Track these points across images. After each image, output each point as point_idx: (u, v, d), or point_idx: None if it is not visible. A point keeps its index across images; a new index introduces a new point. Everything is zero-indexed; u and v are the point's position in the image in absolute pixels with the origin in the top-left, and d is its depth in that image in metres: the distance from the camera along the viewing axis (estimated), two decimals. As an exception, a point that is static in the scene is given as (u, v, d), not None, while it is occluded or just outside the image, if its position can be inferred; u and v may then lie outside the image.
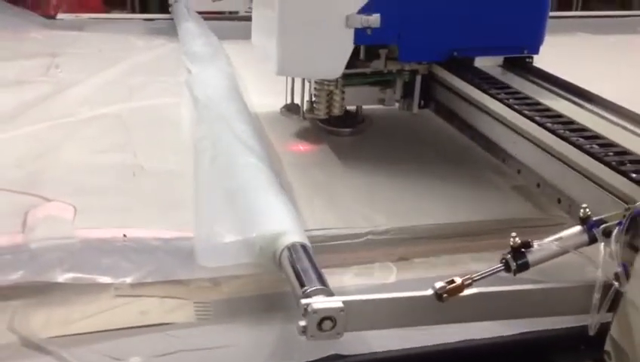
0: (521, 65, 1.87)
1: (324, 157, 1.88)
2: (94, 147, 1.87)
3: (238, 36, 2.43)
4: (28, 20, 3.15)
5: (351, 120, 2.05)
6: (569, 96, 1.65)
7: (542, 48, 1.88)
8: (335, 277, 1.32)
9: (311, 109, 1.95)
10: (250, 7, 3.12)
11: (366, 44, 1.78)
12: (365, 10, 1.69)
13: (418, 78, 1.90)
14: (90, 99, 2.21)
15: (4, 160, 1.73)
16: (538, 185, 1.48)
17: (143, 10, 5.66)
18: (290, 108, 2.01)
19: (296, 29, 1.70)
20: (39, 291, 1.28)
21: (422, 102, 1.94)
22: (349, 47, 1.72)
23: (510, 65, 1.89)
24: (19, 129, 1.91)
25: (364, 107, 2.06)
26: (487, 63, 1.87)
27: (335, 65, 1.75)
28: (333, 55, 1.74)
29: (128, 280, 1.31)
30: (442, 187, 1.71)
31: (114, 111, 2.11)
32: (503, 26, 1.81)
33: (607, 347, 1.12)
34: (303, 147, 1.97)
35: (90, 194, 1.58)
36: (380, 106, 1.99)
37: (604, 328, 1.11)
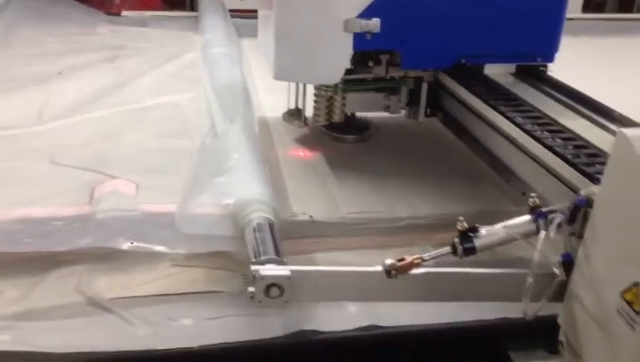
0: (535, 75, 1.77)
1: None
2: (155, 131, 2.00)
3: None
4: (94, 17, 3.34)
5: (356, 126, 2.00)
6: (583, 110, 1.54)
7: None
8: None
9: (313, 115, 1.92)
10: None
11: (366, 50, 1.69)
12: (365, 14, 1.63)
13: (424, 86, 1.83)
14: (153, 89, 2.35)
15: (74, 141, 1.88)
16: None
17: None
18: (293, 114, 2.01)
19: (294, 33, 1.66)
20: (102, 258, 1.41)
21: (428, 110, 1.86)
22: (348, 53, 1.66)
23: (523, 73, 1.79)
24: (88, 114, 2.06)
25: (370, 114, 1.99)
26: (498, 71, 1.77)
27: (334, 70, 1.69)
28: (332, 60, 1.68)
29: (182, 250, 1.42)
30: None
31: (173, 100, 2.24)
32: (514, 32, 1.70)
33: (561, 336, 1.14)
34: (303, 153, 1.93)
35: (150, 173, 1.71)
36: (386, 114, 1.93)
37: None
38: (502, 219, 1.19)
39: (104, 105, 2.16)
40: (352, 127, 1.99)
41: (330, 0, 1.62)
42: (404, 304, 1.30)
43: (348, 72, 1.72)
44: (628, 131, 0.97)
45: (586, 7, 5.76)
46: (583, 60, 2.85)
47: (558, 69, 1.81)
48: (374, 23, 1.63)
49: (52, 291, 1.33)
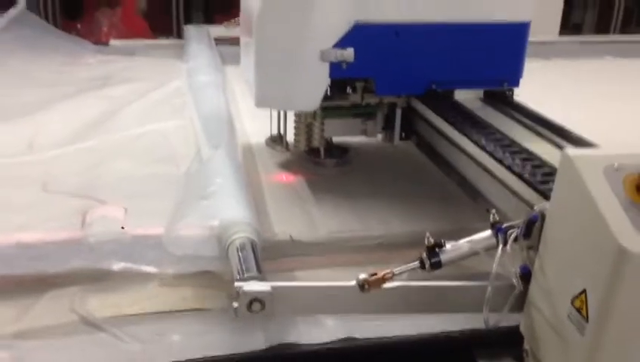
0: (501, 99, 1.88)
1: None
2: (143, 159, 2.09)
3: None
4: (82, 47, 3.44)
5: (335, 151, 2.09)
6: (544, 132, 1.65)
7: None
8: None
9: (295, 141, 2.01)
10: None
11: (342, 78, 1.80)
12: (340, 44, 1.73)
13: (398, 111, 1.93)
14: (140, 117, 2.44)
15: (65, 169, 1.96)
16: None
17: (187, 36, 5.99)
18: (276, 140, 2.11)
19: (273, 63, 1.75)
20: (94, 279, 1.49)
21: (403, 134, 1.95)
22: (325, 81, 1.76)
23: (490, 98, 1.90)
24: (78, 143, 2.15)
25: (348, 138, 2.09)
26: (467, 96, 1.89)
27: (312, 98, 1.79)
28: (310, 88, 1.77)
29: (170, 270, 1.50)
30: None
31: (160, 128, 2.33)
32: (481, 59, 1.82)
33: (526, 345, 1.22)
34: (285, 177, 2.02)
35: (138, 198, 1.79)
36: (363, 138, 2.03)
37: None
38: (470, 235, 1.30)
39: (93, 134, 2.24)
40: (331, 151, 2.09)
41: (307, 31, 1.73)
42: (378, 316, 1.40)
43: (326, 98, 1.82)
44: (570, 151, 1.08)
45: (564, 28, 5.99)
46: (553, 83, 3.00)
47: (528, 92, 1.93)
48: (349, 53, 1.74)
49: (47, 311, 1.41)
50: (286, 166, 2.10)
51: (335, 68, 1.76)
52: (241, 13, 2.04)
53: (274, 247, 1.61)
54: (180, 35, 6.55)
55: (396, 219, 1.78)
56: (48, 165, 1.98)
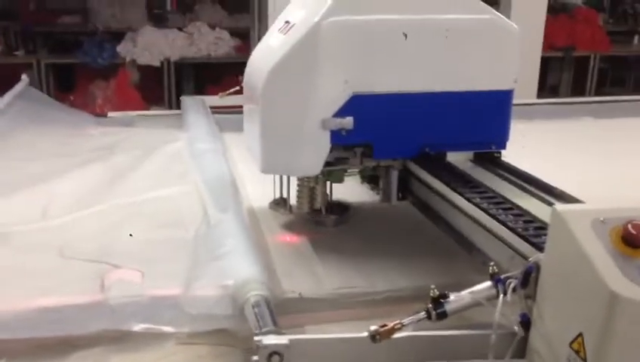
0: (490, 160, 2.02)
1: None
2: (152, 223, 2.18)
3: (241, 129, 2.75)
4: (83, 119, 3.57)
5: (337, 209, 2.21)
6: (531, 189, 1.77)
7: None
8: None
9: (298, 203, 2.12)
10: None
11: (342, 144, 1.92)
12: (340, 113, 1.86)
13: (394, 173, 2.05)
14: (145, 184, 2.54)
15: (79, 235, 2.05)
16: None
17: (180, 107, 6.20)
18: (279, 203, 2.22)
19: (278, 131, 1.88)
20: (115, 340, 1.56)
21: (399, 194, 2.07)
22: (327, 147, 1.89)
23: (480, 159, 2.04)
24: (88, 210, 2.23)
25: (349, 197, 2.23)
26: (458, 158, 2.02)
27: (314, 163, 1.91)
28: (312, 154, 1.89)
29: (186, 329, 1.58)
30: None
31: (166, 194, 2.43)
32: (470, 124, 1.96)
33: None
34: (289, 238, 2.12)
35: (151, 261, 1.87)
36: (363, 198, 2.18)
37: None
38: (468, 287, 1.40)
39: (102, 201, 2.33)
40: (332, 209, 2.21)
41: (309, 102, 1.87)
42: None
43: (327, 163, 1.95)
44: (559, 207, 1.21)
45: (542, 90, 6.29)
46: (536, 143, 3.16)
47: (514, 152, 2.08)
48: (348, 121, 1.88)
49: (72, 373, 1.47)
50: (289, 227, 2.20)
51: (335, 135, 1.89)
52: (245, 84, 2.19)
53: (283, 304, 1.70)
54: (171, 105, 6.80)
55: (398, 275, 1.87)
56: (62, 231, 2.06)
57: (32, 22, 6.94)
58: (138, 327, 1.52)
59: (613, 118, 3.82)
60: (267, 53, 2.04)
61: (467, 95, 1.94)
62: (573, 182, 1.82)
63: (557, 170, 2.00)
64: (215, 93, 4.17)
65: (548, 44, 6.07)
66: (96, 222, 2.16)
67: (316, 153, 1.92)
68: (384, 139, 1.94)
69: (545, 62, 5.88)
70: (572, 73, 7.60)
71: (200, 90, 6.79)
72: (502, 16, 1.95)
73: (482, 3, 1.95)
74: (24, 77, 3.66)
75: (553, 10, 6.62)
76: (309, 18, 1.89)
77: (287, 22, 2.02)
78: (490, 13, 1.94)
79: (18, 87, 3.50)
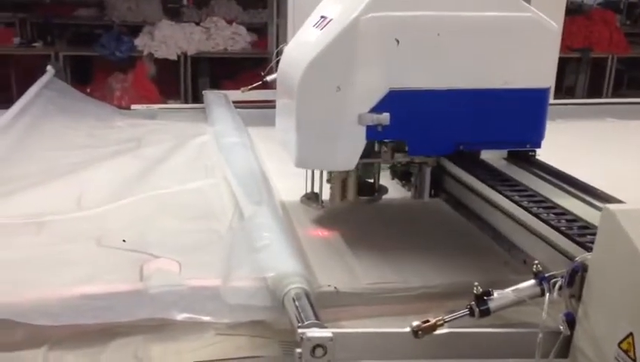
0: (525, 159, 2.01)
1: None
2: (184, 215, 2.19)
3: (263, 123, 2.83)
4: (110, 111, 3.60)
5: (368, 190, 2.18)
6: (568, 188, 1.77)
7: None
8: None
9: (329, 198, 2.10)
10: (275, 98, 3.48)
11: (377, 140, 1.93)
12: (376, 109, 1.86)
13: (427, 170, 2.05)
14: (175, 176, 2.56)
15: (114, 225, 2.07)
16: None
17: (195, 100, 6.22)
18: (310, 197, 2.21)
19: (314, 126, 1.88)
20: (154, 329, 1.58)
21: (432, 191, 2.07)
22: (362, 142, 1.89)
23: (514, 157, 2.03)
24: (122, 200, 2.25)
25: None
26: (491, 156, 2.01)
27: (349, 158, 1.92)
28: (348, 149, 1.90)
29: (226, 320, 1.59)
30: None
31: (196, 186, 2.45)
32: (506, 122, 1.94)
33: None
34: (321, 232, 2.13)
35: (187, 252, 1.88)
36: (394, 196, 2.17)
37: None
38: (503, 286, 1.39)
39: (134, 192, 2.35)
40: (363, 190, 2.18)
41: (345, 97, 1.88)
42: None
43: (361, 158, 1.95)
44: (612, 206, 1.21)
45: (558, 91, 6.25)
46: (556, 143, 3.15)
47: (544, 151, 2.07)
48: (384, 117, 1.88)
49: (113, 359, 1.48)
50: (320, 221, 2.21)
51: (371, 130, 1.90)
52: (279, 79, 2.19)
53: (318, 298, 1.70)
54: (187, 99, 6.81)
55: (432, 271, 1.87)
56: (98, 221, 2.08)
57: (49, 14, 6.97)
58: (180, 317, 1.53)
59: (632, 120, 3.81)
60: (303, 48, 2.04)
61: (504, 93, 1.93)
62: (599, 182, 1.82)
63: (579, 170, 2.00)
64: (231, 88, 4.20)
65: (565, 45, 6.04)
66: (130, 213, 2.18)
67: (351, 148, 1.92)
68: (419, 136, 1.94)
69: (562, 64, 5.86)
70: (589, 75, 7.56)
71: (215, 84, 6.81)
72: (541, 14, 1.94)
73: (521, 1, 1.95)
74: (50, 68, 3.68)
75: (570, 12, 6.59)
76: (348, 14, 1.89)
77: (322, 17, 2.02)
78: (530, 11, 1.93)
79: (45, 78, 3.53)
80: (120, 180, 2.45)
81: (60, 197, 2.26)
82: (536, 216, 1.55)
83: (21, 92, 3.53)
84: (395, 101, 1.89)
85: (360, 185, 2.15)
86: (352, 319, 1.72)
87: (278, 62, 3.32)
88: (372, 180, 2.20)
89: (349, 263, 1.92)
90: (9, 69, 6.54)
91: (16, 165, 2.58)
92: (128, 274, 1.73)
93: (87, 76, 7.08)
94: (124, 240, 1.92)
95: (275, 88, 3.56)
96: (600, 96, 7.12)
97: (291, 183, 2.33)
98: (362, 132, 1.90)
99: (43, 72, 3.86)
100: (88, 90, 6.52)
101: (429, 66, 1.90)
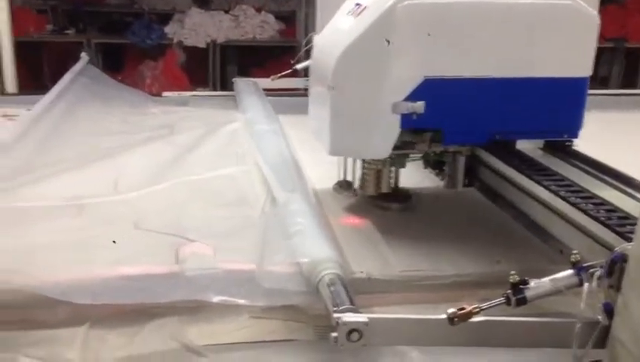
0: (561, 149, 1.99)
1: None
2: (217, 200, 2.22)
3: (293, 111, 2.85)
4: (142, 98, 3.65)
5: (400, 196, 2.20)
6: (607, 179, 1.76)
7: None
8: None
9: (362, 186, 2.14)
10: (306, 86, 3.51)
11: (411, 128, 1.91)
12: (411, 97, 1.85)
13: (462, 159, 2.04)
14: (207, 162, 2.59)
15: (151, 208, 2.11)
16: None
17: (223, 88, 6.26)
18: (343, 185, 2.23)
19: (348, 114, 1.88)
20: (189, 311, 1.61)
21: (466, 180, 2.06)
22: (396, 131, 1.89)
23: (550, 147, 2.01)
24: (156, 185, 2.29)
25: (411, 185, 2.21)
26: (528, 146, 1.99)
27: (383, 146, 1.91)
28: (382, 138, 1.90)
29: (261, 303, 1.61)
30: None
31: (228, 173, 2.47)
32: (543, 112, 1.92)
33: None
34: (353, 220, 2.12)
35: (221, 236, 1.91)
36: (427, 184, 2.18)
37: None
38: (538, 276, 1.39)
39: (168, 177, 2.39)
40: (396, 196, 2.20)
41: (380, 85, 1.87)
42: (462, 350, 1.48)
43: (395, 147, 1.95)
44: (656, 196, 1.19)
45: (592, 81, 6.13)
46: (591, 134, 3.11)
47: (579, 142, 2.06)
48: (419, 105, 1.87)
49: (151, 339, 1.52)
50: (352, 209, 2.22)
51: (406, 119, 1.89)
52: (313, 67, 2.20)
53: (351, 284, 1.71)
54: (215, 86, 6.86)
55: (464, 260, 1.87)
56: (134, 205, 2.12)
57: (80, 1, 7.06)
58: (215, 299, 1.56)
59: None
60: (337, 36, 2.04)
61: (542, 82, 1.91)
62: (635, 173, 1.79)
63: (615, 161, 1.96)
64: (259, 76, 4.22)
65: (599, 35, 5.93)
66: (164, 198, 2.21)
67: (385, 136, 1.92)
68: (454, 125, 1.93)
69: (596, 54, 5.74)
70: (623, 65, 7.40)
71: (243, 72, 6.84)
72: (581, 2, 1.91)
73: (561, -12, 1.92)
74: (84, 55, 3.74)
75: (605, 1, 6.45)
76: (383, 1, 1.88)
77: (357, 4, 2.02)
78: (569, -1, 1.90)
79: (79, 65, 3.59)
80: (154, 166, 2.49)
81: (97, 182, 2.31)
82: (575, 205, 1.54)
83: (53, 78, 3.60)
84: (430, 89, 1.88)
85: (393, 190, 2.16)
86: (383, 306, 1.73)
87: (307, 50, 3.34)
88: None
89: (382, 251, 1.92)
90: (42, 55, 6.65)
91: (53, 150, 2.64)
92: (164, 256, 1.77)
93: (118, 63, 7.18)
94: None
95: (304, 76, 3.60)
96: (635, 87, 6.98)
97: (323, 171, 2.34)
98: (396, 121, 1.90)
99: (75, 59, 3.94)
100: (119, 78, 6.63)
101: (464, 54, 1.89)
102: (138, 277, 1.62)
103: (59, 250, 1.75)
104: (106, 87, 3.62)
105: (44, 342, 1.48)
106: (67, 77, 3.37)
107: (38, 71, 6.50)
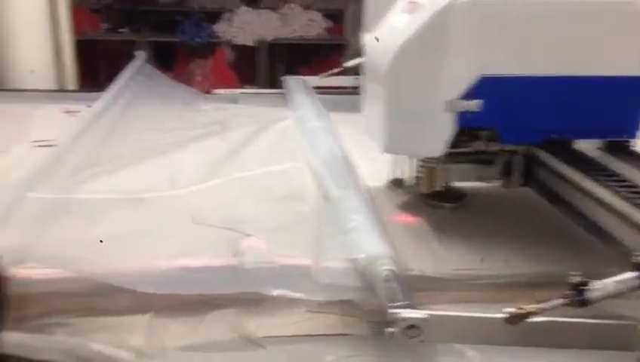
0: (622, 149, 1.94)
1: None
2: (270, 196, 2.26)
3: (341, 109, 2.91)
4: (195, 95, 3.73)
5: (453, 195, 2.19)
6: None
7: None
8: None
9: (415, 184, 2.15)
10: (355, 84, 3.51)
11: (467, 127, 1.90)
12: (467, 95, 1.84)
13: (518, 158, 2.02)
14: (259, 158, 2.64)
15: (207, 203, 2.16)
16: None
17: (270, 86, 6.33)
18: (395, 183, 2.24)
19: (402, 112, 1.88)
20: (248, 303, 1.65)
21: (522, 180, 2.04)
22: (451, 129, 1.87)
23: (610, 147, 1.96)
24: (211, 181, 2.35)
25: (465, 184, 2.19)
26: (587, 146, 1.96)
27: (437, 145, 1.90)
28: (436, 136, 1.89)
29: (318, 298, 1.64)
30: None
31: (280, 169, 2.51)
32: (603, 111, 1.89)
33: None
34: (405, 218, 2.13)
35: (276, 231, 1.95)
36: (482, 184, 2.15)
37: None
38: (596, 278, 1.37)
39: (221, 174, 2.44)
40: (449, 195, 2.20)
41: (435, 82, 1.87)
42: (517, 351, 1.47)
43: (450, 145, 1.94)
44: None
45: None
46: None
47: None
48: (475, 104, 1.86)
49: (211, 329, 1.57)
50: (404, 207, 2.23)
51: (461, 117, 1.88)
52: (367, 65, 2.21)
53: (404, 281, 1.72)
54: (262, 84, 6.95)
55: (519, 260, 1.86)
56: (191, 200, 2.18)
57: (134, 1, 7.25)
58: (275, 292, 1.59)
59: None
60: (392, 33, 2.05)
61: (602, 80, 1.87)
62: None
63: None
64: (306, 74, 4.25)
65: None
66: (219, 193, 2.26)
67: (440, 134, 1.91)
68: (511, 124, 1.91)
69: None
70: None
71: (290, 70, 6.91)
72: (645, -1, 1.87)
73: (623, -15, 1.88)
74: (141, 53, 3.85)
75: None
76: (440, -1, 1.88)
77: (412, 2, 2.02)
78: (632, -4, 1.87)
79: (136, 63, 3.69)
80: (208, 162, 2.55)
81: (153, 177, 2.38)
82: (638, 206, 1.51)
83: (108, 76, 3.72)
84: (487, 87, 1.86)
85: (446, 190, 2.16)
86: (435, 304, 1.73)
87: (356, 48, 3.35)
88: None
89: (434, 249, 1.93)
90: (96, 53, 6.86)
91: (112, 146, 2.73)
92: (221, 250, 1.81)
93: (168, 62, 7.35)
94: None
95: (354, 75, 3.61)
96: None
97: (375, 169, 2.36)
98: (452, 119, 1.89)
99: (128, 57, 4.05)
100: (171, 76, 6.78)
101: (523, 52, 1.87)
102: (198, 269, 1.67)
103: (122, 241, 1.81)
104: (160, 84, 3.72)
105: (110, 328, 1.54)
106: (125, 74, 3.47)
107: (93, 69, 6.71)
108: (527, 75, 1.88)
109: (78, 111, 3.20)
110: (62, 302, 1.59)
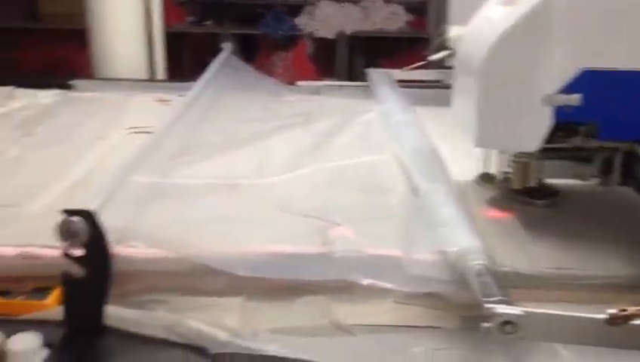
0: None
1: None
2: (356, 187, 2.28)
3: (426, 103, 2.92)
4: (280, 86, 3.80)
5: (546, 192, 2.10)
6: None
7: None
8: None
9: (506, 180, 2.09)
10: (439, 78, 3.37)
11: (565, 122, 1.80)
12: (566, 89, 1.75)
13: (618, 155, 1.92)
14: (345, 150, 2.66)
15: (294, 192, 2.21)
16: None
17: (349, 79, 6.35)
18: (485, 178, 2.18)
19: (497, 105, 1.82)
20: (336, 291, 1.67)
21: (621, 179, 1.95)
22: (548, 123, 1.79)
23: None
24: (297, 170, 2.39)
25: (560, 181, 2.11)
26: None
27: (533, 139, 1.82)
28: (533, 130, 1.81)
29: (407, 289, 1.64)
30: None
31: (366, 161, 2.52)
32: None
33: None
34: (496, 213, 2.07)
35: (364, 222, 1.96)
36: (576, 181, 2.07)
37: None
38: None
39: (307, 164, 2.48)
40: (542, 192, 2.13)
41: (533, 76, 1.82)
42: (615, 354, 1.42)
43: (546, 140, 1.87)
44: None
45: None
46: None
47: None
48: (575, 98, 1.79)
49: (301, 314, 1.60)
50: (495, 203, 2.18)
51: (559, 111, 1.81)
52: (460, 57, 2.18)
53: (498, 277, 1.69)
54: (341, 77, 6.98)
55: (617, 262, 1.79)
56: (280, 188, 2.23)
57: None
58: (365, 281, 1.61)
59: None
60: (487, 26, 2.01)
61: None
62: None
63: None
64: (387, 68, 4.23)
65: None
66: (307, 183, 2.30)
67: (536, 129, 1.85)
68: (613, 119, 1.82)
69: None
70: None
71: (370, 63, 6.90)
72: None
73: None
74: (228, 45, 3.96)
75: None
76: (540, -11, 1.82)
77: None
78: None
79: (223, 55, 3.80)
80: (294, 152, 2.60)
81: (243, 164, 2.45)
82: None
83: (193, 67, 3.85)
84: (588, 81, 1.78)
85: (539, 186, 2.09)
86: (525, 301, 1.68)
87: (441, 41, 3.30)
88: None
89: (526, 246, 1.88)
90: (182, 45, 7.11)
91: (203, 134, 2.83)
92: (311, 238, 1.84)
93: (250, 53, 7.52)
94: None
95: (439, 68, 3.56)
96: None
97: (463, 163, 2.32)
98: (549, 113, 1.83)
99: (212, 49, 4.17)
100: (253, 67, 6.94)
101: (627, 45, 1.78)
102: (291, 255, 1.71)
103: (219, 225, 1.88)
104: (246, 75, 3.81)
105: (206, 308, 1.60)
106: (213, 66, 3.58)
107: (178, 60, 6.96)
108: (632, 68, 1.80)
109: (170, 100, 3.33)
110: (161, 281, 1.66)
